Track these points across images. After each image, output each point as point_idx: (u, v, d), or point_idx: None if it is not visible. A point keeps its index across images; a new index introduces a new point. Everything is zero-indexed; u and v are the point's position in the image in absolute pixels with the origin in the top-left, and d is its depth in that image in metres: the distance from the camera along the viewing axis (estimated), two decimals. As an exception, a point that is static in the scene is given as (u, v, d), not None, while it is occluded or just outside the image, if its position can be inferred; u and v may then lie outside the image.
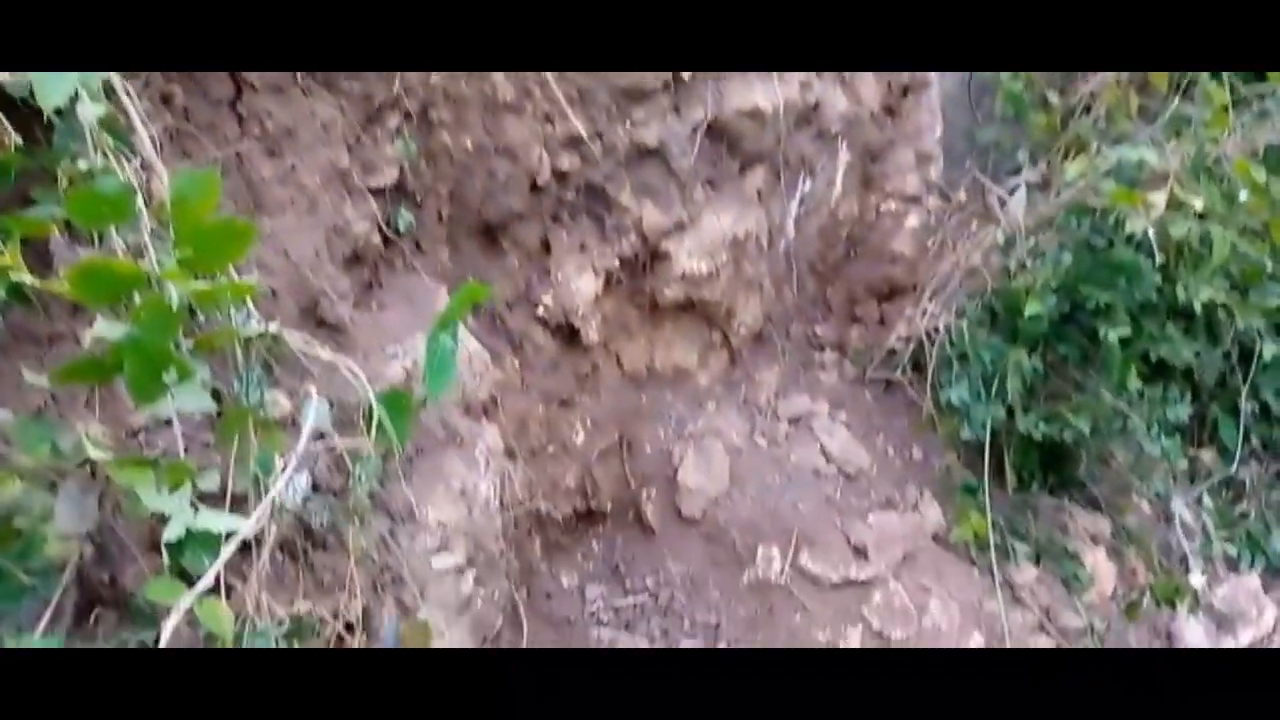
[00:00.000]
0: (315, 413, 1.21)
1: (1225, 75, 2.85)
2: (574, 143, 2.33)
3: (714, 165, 2.66)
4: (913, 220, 3.45)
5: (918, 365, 2.78)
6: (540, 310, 2.38)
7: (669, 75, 2.39)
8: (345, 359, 1.36)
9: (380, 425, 1.27)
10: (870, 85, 3.27)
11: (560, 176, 2.36)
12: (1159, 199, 2.07)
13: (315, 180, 1.84)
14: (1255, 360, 2.58)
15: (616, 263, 2.53)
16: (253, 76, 1.79)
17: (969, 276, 2.64)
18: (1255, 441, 2.73)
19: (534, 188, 2.31)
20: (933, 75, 3.40)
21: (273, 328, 1.27)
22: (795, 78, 2.78)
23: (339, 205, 1.88)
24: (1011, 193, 3.07)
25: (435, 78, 2.04)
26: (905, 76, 3.41)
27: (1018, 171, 3.05)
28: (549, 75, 2.16)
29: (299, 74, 1.84)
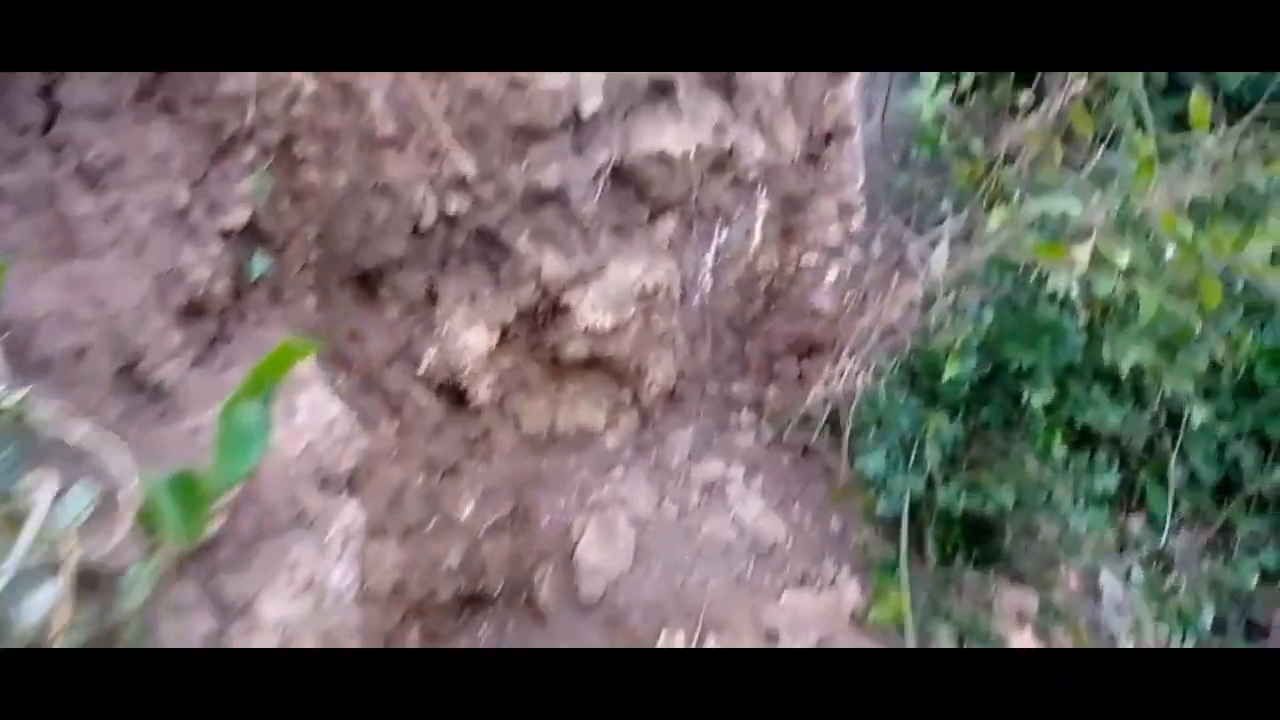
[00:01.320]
0: (64, 504, 0.96)
1: (1151, 125, 2.78)
2: (463, 183, 2.12)
3: (621, 211, 2.47)
4: (834, 273, 3.32)
5: (835, 428, 2.61)
6: (423, 368, 2.14)
7: (569, 112, 2.20)
8: (113, 436, 1.10)
9: (168, 516, 1.02)
10: (790, 131, 3.14)
11: (448, 220, 2.14)
12: (1083, 253, 1.94)
13: (145, 219, 1.59)
14: (1184, 425, 2.47)
15: (513, 315, 2.31)
16: (73, 99, 1.54)
17: (888, 334, 2.49)
18: (1185, 509, 2.61)
19: (417, 232, 2.09)
20: (855, 122, 3.29)
21: (12, 397, 1.02)
22: (709, 121, 2.62)
23: (175, 248, 1.63)
24: (933, 245, 2.95)
25: (299, 107, 1.81)
26: (827, 122, 3.29)
27: (942, 222, 2.93)
28: (434, 109, 1.95)
29: (130, 99, 1.60)
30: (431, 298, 2.17)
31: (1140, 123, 2.87)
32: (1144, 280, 2.11)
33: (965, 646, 2.30)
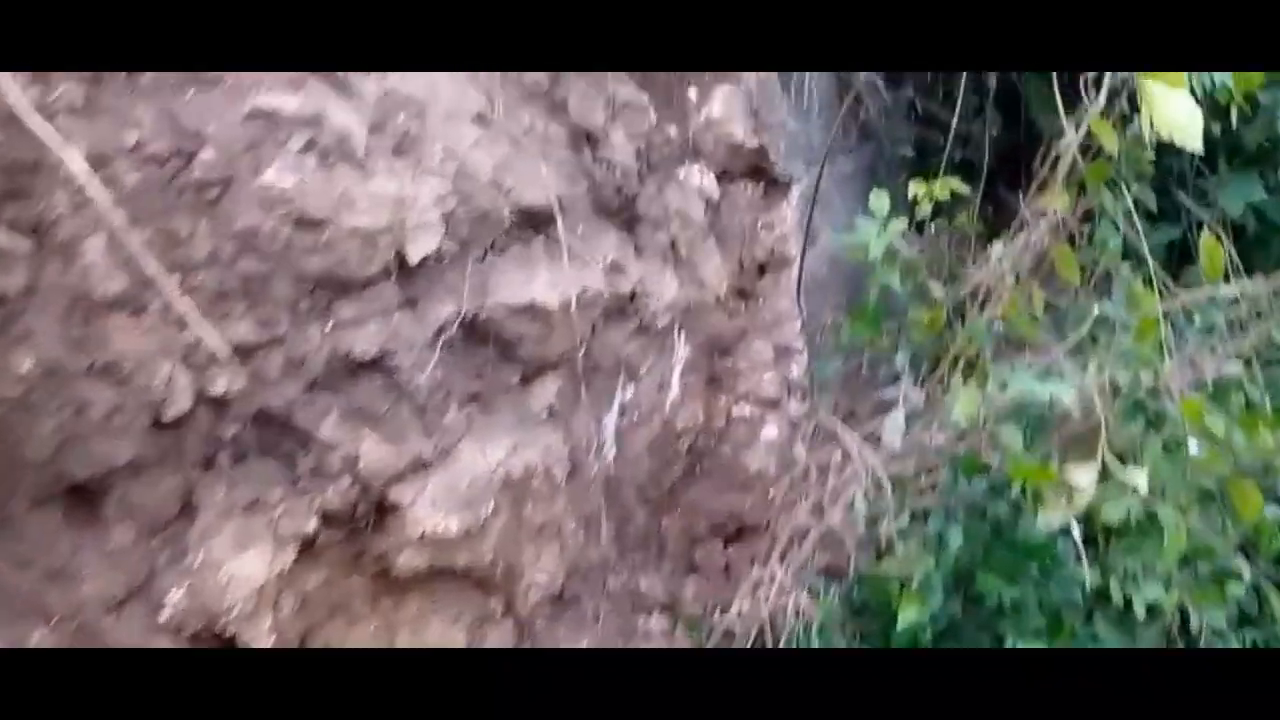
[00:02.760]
0: None
1: (1152, 268, 2.28)
2: (238, 354, 1.54)
3: (478, 377, 1.90)
4: (771, 430, 2.75)
5: (764, 657, 2.00)
6: (166, 614, 1.52)
7: (390, 257, 1.64)
8: None
9: None
10: (715, 263, 2.61)
11: (214, 404, 1.55)
12: (1085, 477, 1.38)
13: None
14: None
15: (315, 523, 1.70)
16: None
17: (829, 542, 1.91)
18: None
19: (161, 424, 1.50)
20: (793, 251, 2.77)
21: None
22: (601, 259, 2.08)
23: None
24: (883, 409, 2.41)
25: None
26: (761, 252, 2.77)
27: (896, 379, 2.38)
28: (156, 266, 1.38)
29: None
30: (186, 512, 1.56)
31: (1134, 260, 2.37)
32: (1163, 492, 1.55)
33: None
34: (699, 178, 2.56)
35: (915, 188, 2.28)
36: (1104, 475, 1.46)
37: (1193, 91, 1.56)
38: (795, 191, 2.78)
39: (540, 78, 2.09)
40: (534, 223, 1.95)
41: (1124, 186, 2.23)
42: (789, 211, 2.78)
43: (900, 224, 2.24)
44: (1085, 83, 2.05)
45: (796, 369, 2.77)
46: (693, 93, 2.59)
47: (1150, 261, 2.26)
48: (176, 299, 1.39)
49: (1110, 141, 1.73)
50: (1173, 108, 1.21)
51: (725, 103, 2.56)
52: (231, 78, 1.50)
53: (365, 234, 1.58)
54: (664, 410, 2.49)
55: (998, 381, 1.91)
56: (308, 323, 1.60)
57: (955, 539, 1.62)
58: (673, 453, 2.57)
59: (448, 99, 1.78)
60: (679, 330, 2.53)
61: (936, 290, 2.26)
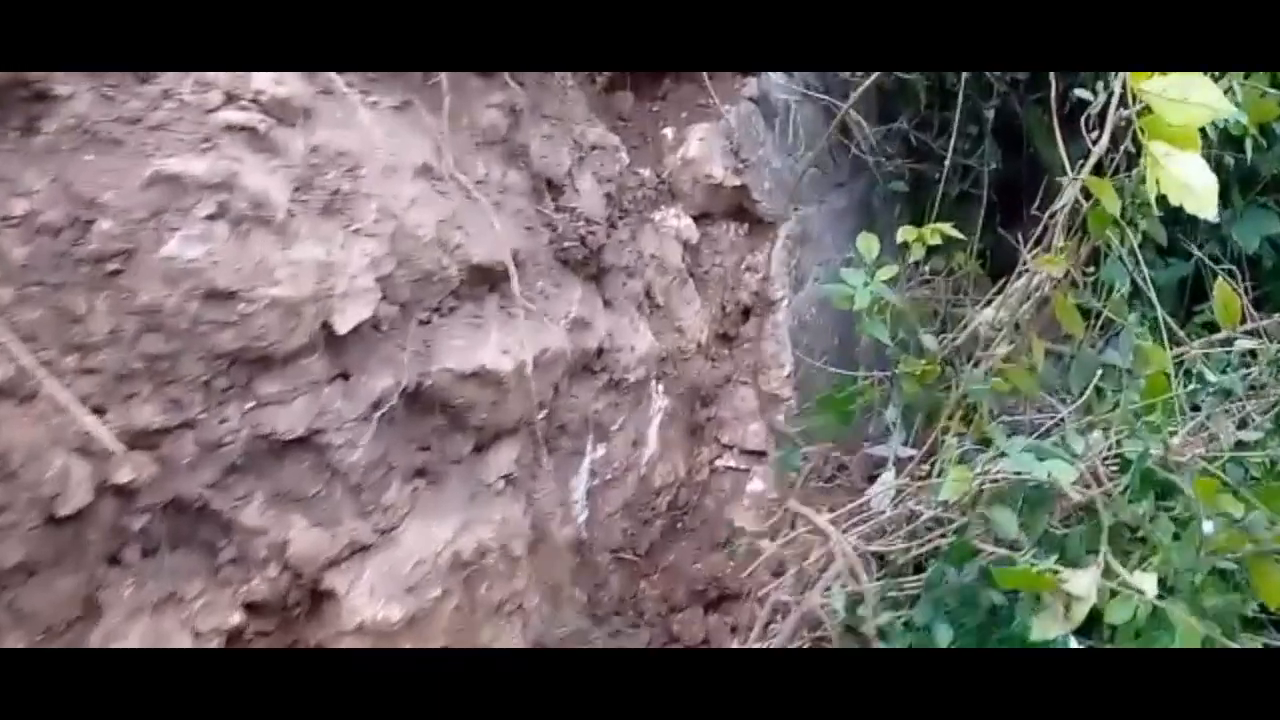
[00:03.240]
0: None
1: (1162, 321, 2.11)
2: (144, 438, 1.40)
3: (423, 450, 1.75)
4: (757, 482, 2.60)
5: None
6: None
7: (316, 328, 1.50)
8: None
9: None
10: (695, 308, 2.47)
11: (120, 494, 1.41)
12: (1084, 583, 1.21)
13: None
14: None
15: (240, 615, 1.55)
16: None
17: (810, 620, 1.75)
18: None
19: (56, 520, 1.35)
20: (780, 293, 2.62)
21: None
22: (563, 315, 1.94)
23: None
24: (872, 475, 2.25)
25: None
26: (745, 295, 2.63)
27: (888, 433, 2.22)
28: (24, 351, 1.24)
29: None
30: (89, 614, 1.42)
31: (1143, 302, 2.20)
32: (1174, 593, 1.39)
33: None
34: (676, 220, 2.42)
35: (904, 234, 2.12)
36: (1108, 572, 1.29)
37: (1204, 134, 1.40)
38: (781, 231, 2.63)
39: (498, 122, 1.95)
40: (487, 280, 1.81)
41: (1130, 225, 2.07)
42: (774, 252, 2.63)
43: (889, 270, 2.08)
44: (1088, 120, 1.89)
45: (784, 418, 2.62)
46: (669, 132, 2.45)
47: (1159, 309, 2.10)
48: (56, 388, 1.24)
49: (1111, 202, 1.57)
50: (1183, 171, 1.05)
51: (703, 142, 2.42)
52: (132, 140, 1.37)
53: (286, 305, 1.44)
54: (640, 467, 2.34)
55: (994, 446, 1.76)
56: (224, 402, 1.46)
57: (944, 635, 1.46)
58: (650, 511, 2.42)
59: (387, 152, 1.64)
60: (656, 381, 2.38)
61: (929, 342, 2.10)
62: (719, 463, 2.60)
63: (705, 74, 2.52)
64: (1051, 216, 1.75)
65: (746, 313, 2.63)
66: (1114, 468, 1.76)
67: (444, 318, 1.73)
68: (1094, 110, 1.97)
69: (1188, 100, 1.06)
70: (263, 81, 1.49)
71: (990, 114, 2.82)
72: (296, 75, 1.56)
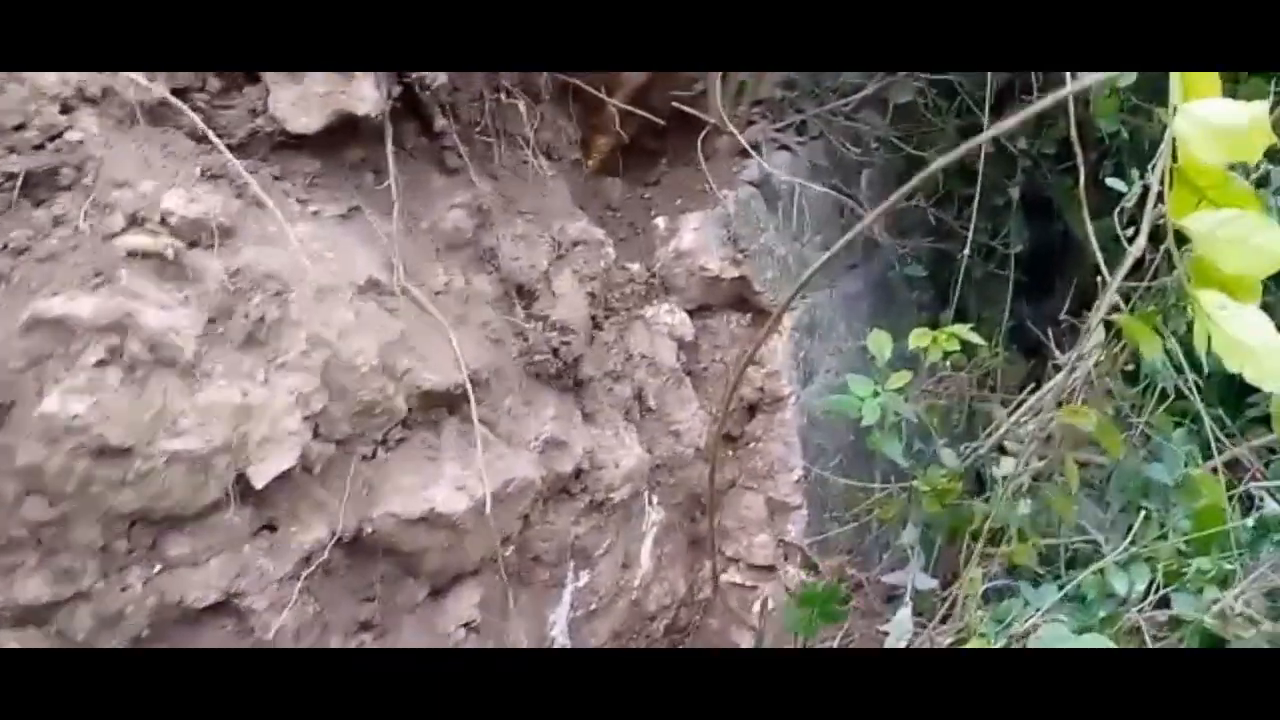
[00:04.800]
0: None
1: (1210, 432, 1.87)
2: (32, 614, 1.22)
3: (369, 600, 1.55)
4: (765, 599, 2.36)
5: None
6: None
7: (230, 480, 1.31)
8: None
9: None
10: (693, 408, 2.26)
11: None
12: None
13: None
14: None
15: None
16: None
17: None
18: None
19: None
20: (787, 388, 2.41)
21: None
22: (533, 436, 1.74)
23: None
24: (891, 595, 2.01)
25: None
26: (748, 391, 2.41)
27: (904, 561, 1.98)
28: None
29: None
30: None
31: (1189, 416, 1.96)
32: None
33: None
34: (669, 316, 2.22)
35: (917, 339, 1.91)
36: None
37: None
38: (788, 321, 2.43)
39: (462, 224, 1.78)
40: (444, 404, 1.62)
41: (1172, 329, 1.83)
42: (780, 343, 2.42)
43: (901, 378, 1.86)
44: (1121, 215, 1.68)
45: (794, 528, 2.39)
46: (661, 222, 2.26)
47: (1205, 420, 1.86)
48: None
49: (1151, 346, 1.35)
50: (1242, 329, 0.84)
51: (698, 232, 2.23)
52: (16, 275, 1.20)
53: (191, 459, 1.25)
54: (631, 591, 2.12)
55: (1020, 596, 1.52)
56: (125, 568, 1.27)
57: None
58: (645, 639, 2.19)
59: (325, 269, 1.47)
60: (649, 493, 2.17)
61: (949, 458, 1.87)
62: (723, 578, 2.37)
63: (701, 157, 2.34)
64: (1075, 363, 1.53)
65: (751, 410, 2.42)
66: (1162, 620, 1.51)
67: (391, 451, 1.54)
68: (1128, 203, 1.76)
69: (1246, 243, 0.85)
70: (174, 200, 1.33)
71: (1016, 191, 2.60)
72: (215, 189, 1.39)
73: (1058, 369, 1.92)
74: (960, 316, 3.16)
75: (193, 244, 1.35)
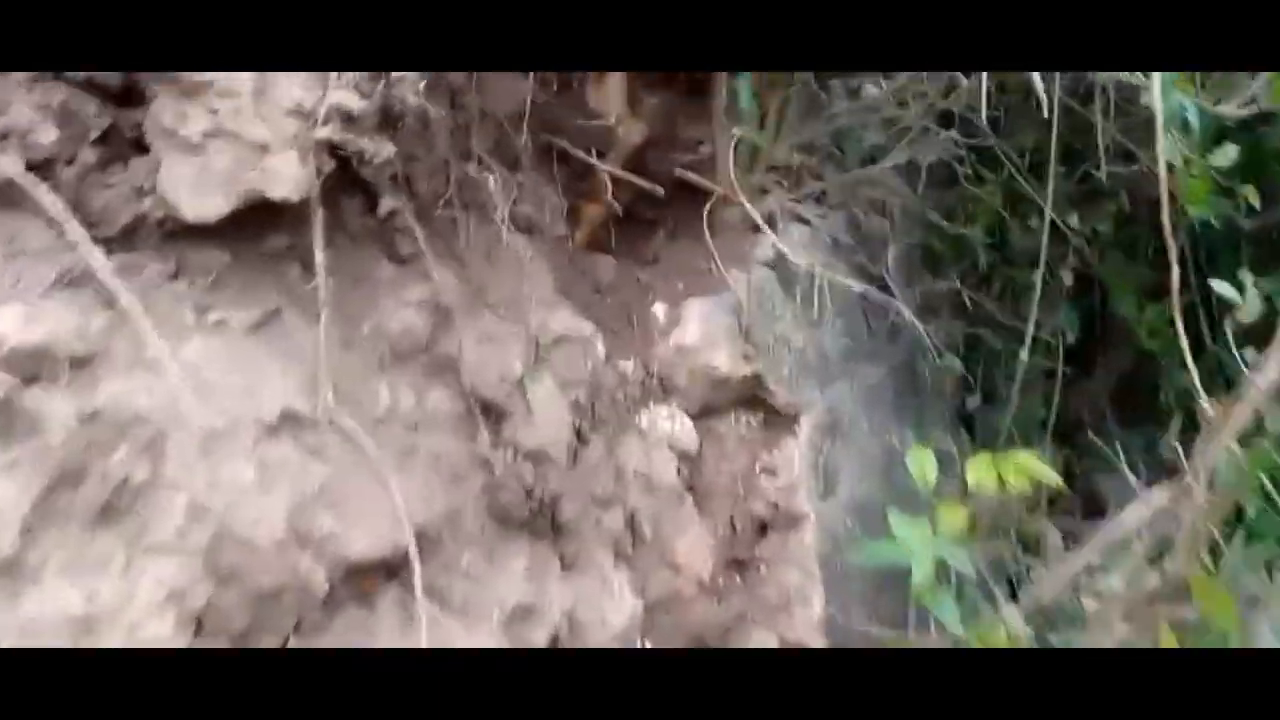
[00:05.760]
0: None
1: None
2: None
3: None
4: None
5: None
6: None
7: None
8: None
9: None
10: (695, 533, 1.90)
11: None
12: None
13: None
14: None
15: None
16: None
17: None
18: None
19: None
20: (805, 505, 2.05)
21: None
22: (490, 611, 1.37)
23: None
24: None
25: None
26: (761, 506, 2.05)
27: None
28: None
29: None
30: None
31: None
32: None
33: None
34: (669, 424, 1.87)
35: (974, 470, 1.56)
36: None
37: None
38: (805, 424, 2.07)
39: (414, 326, 1.42)
40: (381, 571, 1.25)
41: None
42: (797, 450, 2.06)
43: (956, 516, 1.51)
44: (1237, 336, 1.35)
45: (811, 672, 2.01)
46: (660, 310, 1.92)
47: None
48: None
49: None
50: None
51: (702, 322, 1.89)
52: None
53: None
54: (619, 761, 1.74)
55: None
56: None
57: None
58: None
59: (216, 407, 1.10)
60: (641, 640, 1.80)
61: (1013, 619, 1.51)
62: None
63: (707, 231, 2.01)
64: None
65: (763, 529, 2.06)
66: None
67: (305, 639, 1.17)
68: (1242, 316, 1.43)
69: None
70: (8, 321, 0.97)
71: (1069, 276, 2.28)
72: (71, 300, 1.04)
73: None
74: (988, 399, 2.83)
75: (31, 380, 0.98)
